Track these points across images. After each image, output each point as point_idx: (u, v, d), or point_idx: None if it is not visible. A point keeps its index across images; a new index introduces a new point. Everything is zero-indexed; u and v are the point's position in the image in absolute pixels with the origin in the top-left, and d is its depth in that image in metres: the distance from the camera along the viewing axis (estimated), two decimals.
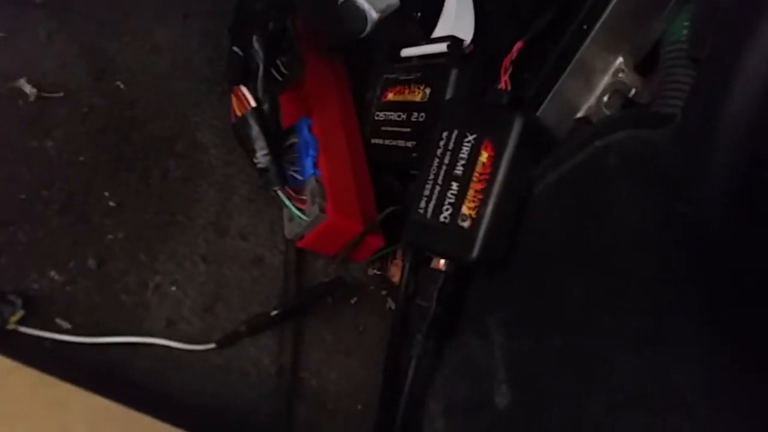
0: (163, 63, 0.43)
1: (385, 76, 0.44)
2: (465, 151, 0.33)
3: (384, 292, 0.41)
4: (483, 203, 0.32)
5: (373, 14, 0.39)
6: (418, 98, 0.40)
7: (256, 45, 0.36)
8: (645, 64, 0.34)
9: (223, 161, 0.39)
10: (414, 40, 0.43)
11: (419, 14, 0.46)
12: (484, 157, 0.32)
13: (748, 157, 0.26)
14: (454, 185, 0.33)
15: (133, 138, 0.38)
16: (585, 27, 0.32)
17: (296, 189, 0.38)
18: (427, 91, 0.39)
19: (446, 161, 0.34)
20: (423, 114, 0.39)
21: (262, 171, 0.36)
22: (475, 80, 0.37)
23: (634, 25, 0.33)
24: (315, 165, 0.38)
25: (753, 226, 0.26)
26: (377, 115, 0.44)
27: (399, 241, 0.39)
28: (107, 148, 0.37)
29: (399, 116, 0.42)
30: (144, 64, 0.42)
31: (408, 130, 0.40)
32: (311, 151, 0.39)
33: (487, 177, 0.32)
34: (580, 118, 0.35)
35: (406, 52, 0.43)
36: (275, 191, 0.36)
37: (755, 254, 0.25)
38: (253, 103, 0.35)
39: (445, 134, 0.34)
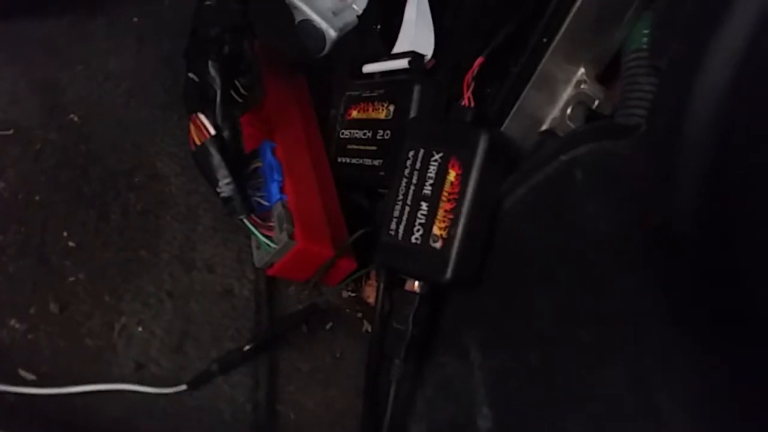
0: (118, 92, 0.42)
1: (348, 93, 0.44)
2: (432, 170, 0.33)
3: (360, 315, 0.41)
4: (454, 223, 0.32)
5: (332, 33, 0.39)
6: (382, 116, 0.40)
7: (212, 70, 0.35)
8: (607, 74, 0.34)
9: (185, 191, 0.39)
10: (375, 54, 0.43)
11: (378, 27, 0.46)
12: (451, 175, 0.32)
13: (714, 162, 0.27)
14: (424, 205, 0.33)
15: (91, 173, 0.37)
16: (545, 40, 0.32)
17: (263, 216, 0.37)
18: (391, 108, 0.40)
19: (414, 181, 0.34)
20: (388, 132, 0.39)
21: (226, 200, 0.35)
22: (439, 96, 0.37)
23: (594, 35, 0.33)
24: (281, 189, 0.38)
25: (723, 232, 0.27)
26: (342, 134, 0.44)
27: (372, 262, 0.39)
28: (63, 186, 0.36)
29: (364, 134, 0.42)
30: (98, 94, 0.42)
31: (374, 148, 0.40)
32: (276, 176, 0.38)
33: (456, 196, 0.32)
34: (544, 131, 0.35)
35: (367, 68, 0.43)
36: (241, 220, 0.36)
37: (727, 259, 0.26)
38: (212, 131, 0.35)
39: (411, 153, 0.34)
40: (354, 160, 0.42)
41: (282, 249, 0.36)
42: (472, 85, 0.34)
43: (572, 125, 0.34)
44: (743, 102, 0.27)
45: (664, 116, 0.29)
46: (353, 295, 0.42)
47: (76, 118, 0.39)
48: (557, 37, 0.32)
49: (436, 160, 0.33)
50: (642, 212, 0.28)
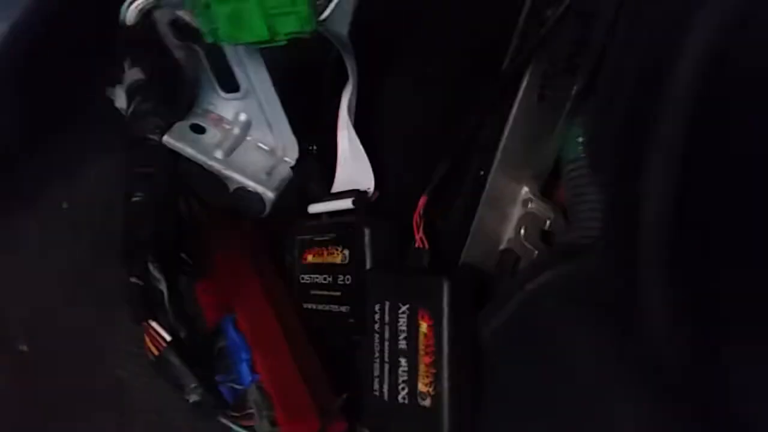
0: (59, 297, 0.40)
1: (299, 237, 0.43)
2: (403, 323, 0.32)
3: None
4: (437, 378, 0.31)
5: (269, 195, 0.38)
6: (338, 260, 0.39)
7: (154, 272, 0.34)
8: (552, 186, 0.34)
9: (151, 392, 0.37)
10: (316, 178, 0.43)
11: (314, 148, 0.45)
12: (423, 327, 0.31)
13: (680, 279, 0.26)
14: (403, 362, 0.32)
15: (50, 403, 0.35)
16: (482, 172, 0.32)
17: (239, 405, 0.35)
18: (346, 252, 0.39)
19: (387, 336, 0.33)
20: (348, 277, 0.38)
21: (197, 405, 0.34)
22: (390, 236, 0.37)
23: (529, 153, 0.33)
24: (252, 368, 0.36)
25: (700, 354, 0.26)
26: (302, 278, 0.43)
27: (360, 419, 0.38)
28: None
29: (325, 279, 0.40)
30: (40, 302, 0.40)
31: (338, 293, 0.39)
32: (244, 354, 0.37)
33: (432, 349, 0.31)
34: (504, 251, 0.35)
35: (313, 208, 0.42)
36: (217, 420, 0.34)
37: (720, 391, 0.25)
38: (168, 338, 0.33)
39: (377, 307, 0.33)
40: (320, 307, 0.41)
41: None
42: (422, 223, 0.34)
43: (529, 245, 0.33)
44: (694, 206, 0.27)
45: (617, 233, 0.28)
46: None
47: (24, 348, 0.37)
48: (493, 167, 0.32)
49: (404, 312, 0.32)
50: (624, 341, 0.27)
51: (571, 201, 0.32)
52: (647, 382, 0.26)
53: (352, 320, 0.38)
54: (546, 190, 0.34)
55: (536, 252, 0.33)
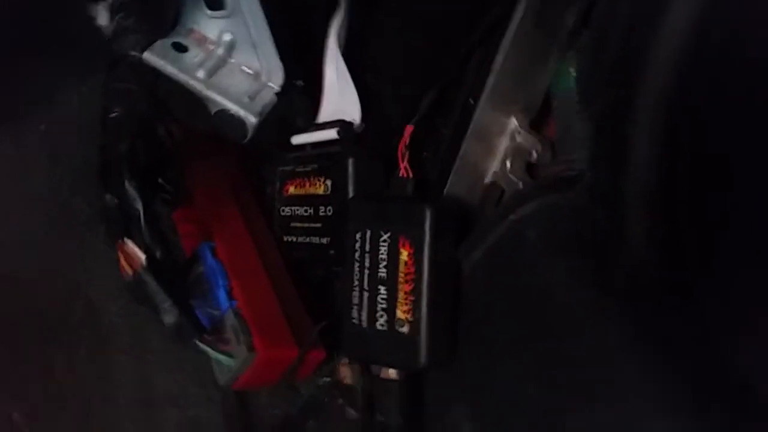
0: (37, 219, 0.40)
1: (281, 168, 0.43)
2: (383, 251, 0.32)
3: (340, 401, 0.39)
4: (416, 305, 0.31)
5: (252, 119, 0.37)
6: (320, 191, 0.39)
7: (130, 190, 0.34)
8: (541, 118, 0.34)
9: (126, 316, 0.37)
10: (301, 112, 0.42)
11: (301, 82, 0.45)
12: (404, 255, 0.32)
13: (665, 209, 0.27)
14: (382, 289, 0.32)
15: (26, 328, 0.35)
16: (472, 101, 0.32)
17: (216, 329, 0.36)
18: (328, 183, 0.39)
19: (367, 264, 0.33)
20: (330, 208, 0.38)
21: (173, 326, 0.34)
22: (374, 167, 0.37)
23: (519, 85, 0.33)
24: (229, 294, 0.36)
25: (689, 284, 0.27)
26: (283, 210, 0.43)
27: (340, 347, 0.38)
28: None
29: (306, 211, 0.40)
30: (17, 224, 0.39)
31: (319, 225, 0.39)
32: (221, 281, 0.37)
33: (412, 276, 0.31)
34: (489, 184, 0.35)
35: (296, 139, 0.42)
36: (194, 344, 0.34)
37: (696, 315, 0.26)
38: (143, 258, 0.33)
39: (358, 236, 0.34)
40: (300, 239, 0.41)
41: (243, 362, 0.34)
42: (407, 154, 0.34)
43: (514, 178, 0.33)
44: (681, 145, 0.27)
45: (604, 166, 0.29)
46: (328, 380, 0.40)
47: None
48: (483, 97, 0.32)
49: (385, 241, 0.32)
50: (603, 271, 0.28)
51: (559, 134, 0.32)
52: (624, 313, 0.26)
53: (332, 251, 0.38)
54: (535, 125, 0.34)
55: (521, 185, 0.34)
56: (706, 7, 0.26)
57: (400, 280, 0.32)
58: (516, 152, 0.33)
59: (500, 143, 0.34)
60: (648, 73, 0.27)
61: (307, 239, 0.40)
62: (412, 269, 0.31)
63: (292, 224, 0.41)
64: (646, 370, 0.25)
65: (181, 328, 0.34)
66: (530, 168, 0.34)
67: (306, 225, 0.40)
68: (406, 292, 0.31)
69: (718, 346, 0.24)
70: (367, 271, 0.33)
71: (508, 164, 0.33)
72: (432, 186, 0.34)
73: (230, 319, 0.35)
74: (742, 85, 0.32)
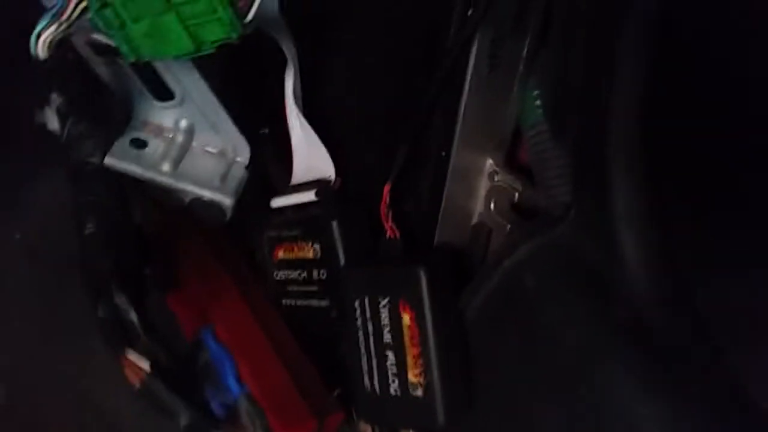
0: (32, 331, 0.39)
1: (267, 234, 0.42)
2: (385, 317, 0.32)
3: None
4: (427, 368, 0.31)
5: (227, 201, 0.37)
6: (310, 255, 0.39)
7: (120, 303, 0.33)
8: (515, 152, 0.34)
9: (138, 419, 0.37)
10: (272, 161, 0.42)
11: (266, 131, 0.44)
12: (406, 319, 0.31)
13: (654, 223, 0.27)
14: (390, 355, 0.32)
15: None
16: (444, 153, 0.31)
17: (231, 418, 0.35)
18: (317, 247, 0.38)
19: (371, 331, 0.33)
20: (323, 271, 0.38)
21: (190, 427, 0.33)
22: (360, 226, 0.36)
23: (489, 124, 0.32)
24: (238, 379, 0.36)
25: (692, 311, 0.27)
26: (277, 275, 0.42)
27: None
28: None
29: (299, 275, 0.40)
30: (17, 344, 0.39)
31: (315, 288, 0.39)
32: (229, 366, 0.37)
33: (418, 339, 0.31)
34: (476, 224, 0.35)
35: (276, 202, 0.41)
36: None
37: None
38: (147, 368, 0.33)
39: (357, 304, 0.33)
40: (300, 302, 0.41)
41: None
42: (390, 213, 0.33)
43: (501, 219, 0.33)
44: (663, 156, 0.27)
45: (588, 195, 0.28)
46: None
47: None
48: (454, 144, 0.31)
49: (384, 306, 0.32)
50: (605, 308, 0.27)
51: (536, 166, 0.32)
52: (632, 351, 0.26)
53: (333, 314, 0.38)
54: (509, 157, 0.34)
55: (508, 225, 0.33)
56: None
57: (407, 344, 0.31)
58: (498, 193, 0.33)
59: (480, 184, 0.34)
60: (618, 86, 0.26)
61: (306, 302, 0.40)
62: (417, 332, 0.31)
63: (289, 288, 0.41)
64: (662, 415, 0.25)
65: (197, 426, 0.34)
66: (515, 206, 0.33)
67: (303, 288, 0.40)
68: (414, 356, 0.31)
69: (728, 366, 0.24)
70: (372, 338, 0.33)
71: (492, 206, 0.33)
72: (421, 238, 0.34)
73: (243, 405, 0.35)
74: (713, 87, 0.32)
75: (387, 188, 0.33)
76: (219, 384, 0.37)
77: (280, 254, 0.41)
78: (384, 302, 0.32)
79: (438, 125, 0.31)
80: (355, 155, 0.38)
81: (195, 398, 0.34)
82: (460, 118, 0.30)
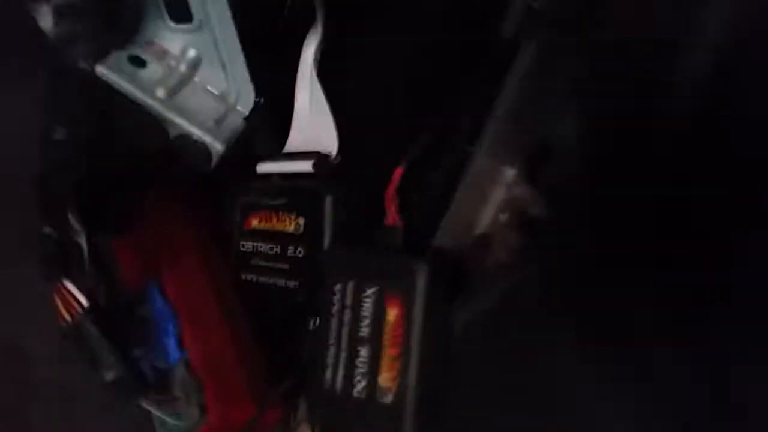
0: None
1: (243, 198, 0.39)
2: (367, 307, 0.29)
3: None
4: (403, 372, 0.28)
5: (217, 147, 0.34)
6: (290, 229, 0.35)
7: (73, 222, 0.29)
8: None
9: (57, 365, 0.32)
10: (264, 132, 0.38)
11: (261, 99, 0.41)
12: (391, 315, 0.28)
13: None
14: (363, 351, 0.29)
15: None
16: (467, 150, 0.29)
17: (163, 385, 0.31)
18: (300, 221, 0.35)
19: (346, 320, 0.30)
20: (301, 249, 0.35)
21: (114, 383, 0.29)
22: (354, 205, 0.33)
23: (521, 131, 0.30)
24: (179, 343, 0.32)
25: None
26: (243, 245, 0.38)
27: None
28: None
29: (271, 249, 0.36)
30: None
31: (286, 266, 0.35)
32: (171, 327, 0.32)
33: (400, 339, 0.28)
34: (479, 236, 0.32)
35: (263, 167, 0.38)
36: (138, 405, 0.30)
37: None
38: (85, 303, 0.28)
39: (338, 288, 0.30)
40: (262, 279, 0.37)
41: (194, 425, 0.30)
42: (396, 200, 0.30)
43: (508, 233, 0.31)
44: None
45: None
46: None
47: None
48: (480, 147, 0.29)
49: (369, 296, 0.29)
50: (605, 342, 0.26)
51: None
52: (630, 381, 0.24)
53: (300, 298, 0.34)
54: (532, 171, 0.32)
55: (515, 240, 0.31)
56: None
57: (385, 342, 0.28)
58: (512, 205, 0.31)
59: (495, 194, 0.31)
60: None
61: (271, 280, 0.36)
62: (400, 331, 0.28)
63: (253, 261, 0.37)
64: None
65: (122, 385, 0.29)
66: (526, 222, 0.31)
67: (270, 264, 0.36)
68: (391, 357, 0.28)
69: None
70: (346, 329, 0.29)
71: (502, 218, 0.31)
72: (421, 236, 0.31)
73: (180, 373, 0.31)
74: None
75: (399, 171, 0.30)
76: (155, 344, 0.32)
77: (254, 223, 0.38)
78: (369, 291, 0.29)
79: (468, 120, 0.29)
80: (364, 135, 0.35)
81: (126, 354, 0.30)
82: (496, 114, 0.28)
